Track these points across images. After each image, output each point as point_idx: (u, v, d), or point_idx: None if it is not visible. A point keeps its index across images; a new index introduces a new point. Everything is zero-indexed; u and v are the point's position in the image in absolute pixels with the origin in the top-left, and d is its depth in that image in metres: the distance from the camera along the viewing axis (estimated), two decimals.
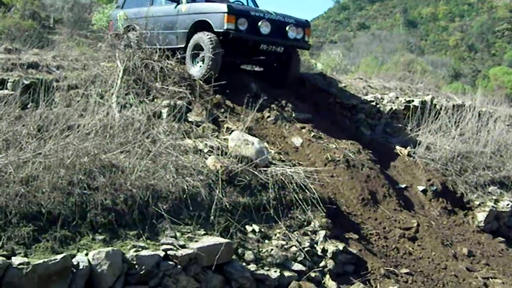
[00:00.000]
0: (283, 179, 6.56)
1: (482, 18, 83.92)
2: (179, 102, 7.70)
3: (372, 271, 6.24)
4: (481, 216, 9.00)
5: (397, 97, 11.79)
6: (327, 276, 5.86)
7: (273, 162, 7.02)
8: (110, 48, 9.08)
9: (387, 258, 6.73)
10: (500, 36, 78.39)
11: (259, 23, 9.00)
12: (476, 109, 12.17)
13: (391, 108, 10.99)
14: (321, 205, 6.54)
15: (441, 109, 11.42)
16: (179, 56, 8.93)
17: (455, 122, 11.26)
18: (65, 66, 8.52)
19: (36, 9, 18.50)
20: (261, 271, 5.47)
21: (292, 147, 8.11)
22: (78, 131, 5.68)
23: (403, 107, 11.16)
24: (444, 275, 6.83)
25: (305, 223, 6.34)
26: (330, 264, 5.98)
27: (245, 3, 10.90)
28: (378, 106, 10.95)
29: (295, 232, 6.15)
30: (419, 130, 10.49)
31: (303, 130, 8.59)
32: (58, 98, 7.03)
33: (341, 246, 6.18)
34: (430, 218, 8.02)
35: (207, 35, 8.82)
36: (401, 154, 9.43)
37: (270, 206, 6.20)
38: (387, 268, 6.46)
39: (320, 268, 5.88)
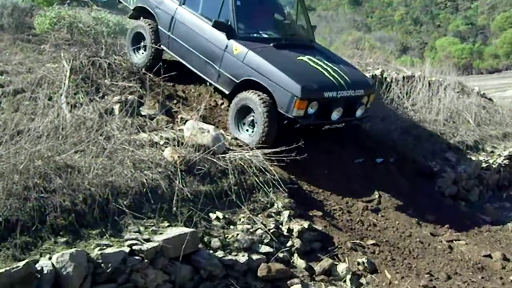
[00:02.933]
0: (242, 163, 6.55)
1: None
2: (130, 97, 7.61)
3: (339, 246, 6.31)
4: (440, 181, 9.22)
5: None
6: (295, 255, 5.90)
7: (231, 148, 7.00)
8: (54, 48, 8.87)
9: (352, 231, 6.80)
10: (443, 8, 79.82)
11: (332, 110, 7.54)
12: (426, 79, 12.40)
13: None
14: (283, 185, 6.56)
15: (391, 81, 11.59)
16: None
17: (406, 93, 11.46)
18: (9, 71, 8.26)
19: None
20: (229, 257, 5.47)
21: None
22: (29, 135, 5.51)
23: None
24: (410, 242, 6.96)
25: (269, 205, 6.36)
26: (297, 243, 6.01)
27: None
28: None
29: (259, 215, 6.16)
30: None
31: None
32: (5, 103, 6.85)
33: (306, 224, 6.21)
34: (391, 188, 8.13)
35: (263, 102, 7.26)
36: None
37: (232, 192, 6.19)
38: (354, 241, 6.53)
39: (288, 248, 5.91)
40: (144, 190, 5.53)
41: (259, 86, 7.41)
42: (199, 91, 8.80)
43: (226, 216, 5.95)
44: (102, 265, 4.58)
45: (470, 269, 6.55)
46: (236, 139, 7.44)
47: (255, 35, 8.26)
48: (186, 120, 7.30)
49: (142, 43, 8.99)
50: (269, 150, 6.73)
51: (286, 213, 6.28)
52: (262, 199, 6.40)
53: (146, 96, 7.90)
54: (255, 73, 7.47)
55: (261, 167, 6.59)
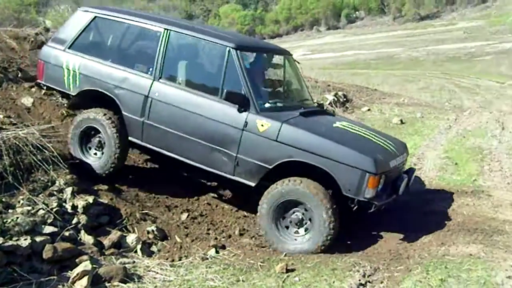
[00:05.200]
0: (17, 142, 6.11)
1: None
2: None
3: (127, 217, 6.27)
4: None
5: None
6: (82, 231, 5.70)
7: (3, 127, 6.50)
8: None
9: (140, 202, 6.80)
10: None
11: (398, 182, 6.24)
12: None
13: None
14: (63, 162, 6.29)
15: None
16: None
17: None
18: None
19: None
20: (9, 243, 5.08)
21: (23, 109, 7.60)
22: None
23: None
24: (198, 206, 7.16)
25: (50, 184, 6.04)
26: (83, 219, 5.82)
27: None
28: None
29: (41, 195, 5.83)
30: None
31: (33, 89, 8.07)
32: None
33: (90, 199, 6.04)
34: None
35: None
36: None
37: (8, 174, 5.75)
38: (143, 211, 6.55)
39: (74, 225, 5.68)
40: None
41: (304, 169, 5.94)
42: None
43: (4, 200, 5.53)
44: None
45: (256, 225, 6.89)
46: (9, 117, 6.91)
47: (273, 105, 6.53)
48: None
49: (94, 141, 6.90)
50: (45, 126, 6.39)
51: (69, 190, 6.03)
52: (42, 178, 6.06)
53: None
54: (300, 152, 5.85)
55: (38, 145, 6.23)
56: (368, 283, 5.04)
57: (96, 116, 6.72)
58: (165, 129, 6.46)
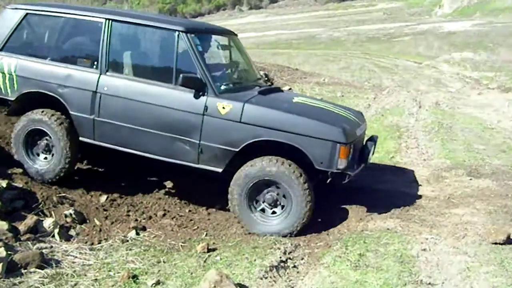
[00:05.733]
0: None
1: None
2: None
3: (43, 201, 6.09)
4: None
5: None
6: None
7: None
8: None
9: (57, 184, 6.61)
10: None
11: (366, 151, 6.23)
12: None
13: None
14: None
15: None
16: None
17: None
18: None
19: None
20: None
21: None
22: None
23: None
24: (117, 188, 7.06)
25: None
26: None
27: None
28: None
29: None
30: None
31: None
32: None
33: (4, 183, 5.82)
34: None
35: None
36: None
37: None
38: (60, 194, 6.38)
39: None
40: None
41: (270, 149, 5.77)
42: None
43: None
44: None
45: (178, 205, 6.85)
46: None
47: (231, 86, 6.30)
48: None
49: (41, 144, 6.56)
50: None
51: None
52: None
53: None
54: (267, 130, 5.65)
55: None
56: (289, 260, 5.14)
57: (42, 117, 6.37)
58: (119, 124, 6.11)
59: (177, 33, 5.96)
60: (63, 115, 6.36)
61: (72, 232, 5.80)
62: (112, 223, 6.13)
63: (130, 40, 6.63)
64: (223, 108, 5.75)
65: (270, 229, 5.74)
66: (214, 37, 6.94)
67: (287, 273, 4.90)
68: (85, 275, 4.71)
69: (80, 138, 6.39)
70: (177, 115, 5.89)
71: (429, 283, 4.40)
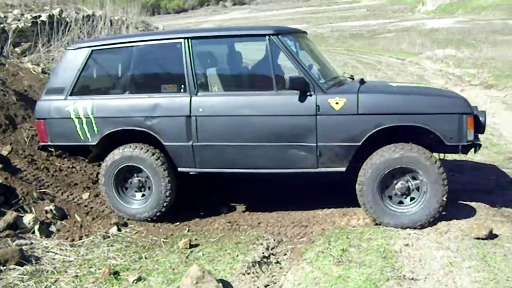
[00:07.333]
0: None
1: None
2: None
3: (23, 197, 6.01)
4: None
5: (22, 14, 11.16)
6: None
7: None
8: None
9: (38, 180, 6.54)
10: None
11: (482, 119, 5.63)
12: (108, 18, 12.35)
13: (18, 26, 10.35)
14: None
15: (71, 22, 11.25)
16: None
17: (88, 32, 11.27)
18: None
19: None
20: None
21: None
22: None
23: (30, 24, 10.61)
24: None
25: None
26: None
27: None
28: (2, 25, 10.19)
29: None
30: (51, 45, 10.20)
31: None
32: None
33: None
34: None
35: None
36: (34, 73, 9.03)
37: None
38: (40, 190, 6.30)
39: None
40: None
41: (388, 137, 5.49)
42: None
43: None
44: None
45: None
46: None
47: (332, 81, 5.99)
48: None
49: (133, 182, 6.13)
50: None
51: None
52: None
53: None
54: (387, 117, 5.34)
55: None
56: (271, 256, 5.11)
57: (134, 153, 5.96)
58: (222, 144, 5.70)
59: (267, 37, 5.64)
60: (156, 149, 5.98)
61: (52, 228, 5.74)
62: (93, 219, 6.05)
63: (214, 55, 6.42)
64: (337, 103, 5.41)
65: (400, 221, 5.45)
66: (297, 36, 6.52)
67: (270, 268, 4.88)
68: (66, 272, 4.66)
69: (179, 169, 5.98)
70: (286, 121, 5.53)
71: (412, 278, 4.39)
